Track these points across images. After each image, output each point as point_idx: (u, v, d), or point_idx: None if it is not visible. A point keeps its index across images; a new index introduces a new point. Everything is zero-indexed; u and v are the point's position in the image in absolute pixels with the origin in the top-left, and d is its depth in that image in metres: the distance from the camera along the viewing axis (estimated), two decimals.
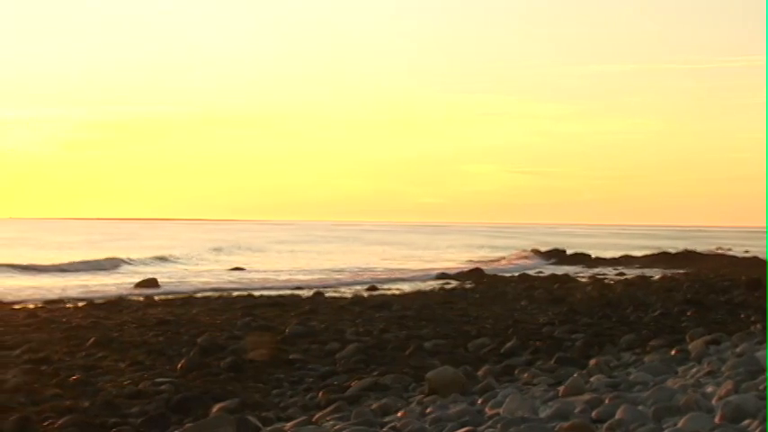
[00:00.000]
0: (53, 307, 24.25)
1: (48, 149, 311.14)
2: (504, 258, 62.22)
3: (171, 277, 38.58)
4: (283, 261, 56.28)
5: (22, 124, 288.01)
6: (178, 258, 55.65)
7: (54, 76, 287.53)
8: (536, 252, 65.34)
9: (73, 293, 29.80)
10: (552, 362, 13.39)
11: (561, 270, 46.75)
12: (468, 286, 34.52)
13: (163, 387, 11.67)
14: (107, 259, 48.53)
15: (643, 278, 38.20)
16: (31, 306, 24.61)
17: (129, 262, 49.14)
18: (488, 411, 9.15)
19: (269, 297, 27.53)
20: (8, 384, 11.54)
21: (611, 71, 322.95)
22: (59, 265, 44.43)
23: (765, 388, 8.49)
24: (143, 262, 50.45)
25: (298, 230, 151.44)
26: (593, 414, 8.38)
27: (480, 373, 12.41)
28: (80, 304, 24.92)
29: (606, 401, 8.79)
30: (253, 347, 14.94)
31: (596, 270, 48.75)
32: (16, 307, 24.22)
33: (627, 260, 57.78)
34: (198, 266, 50.08)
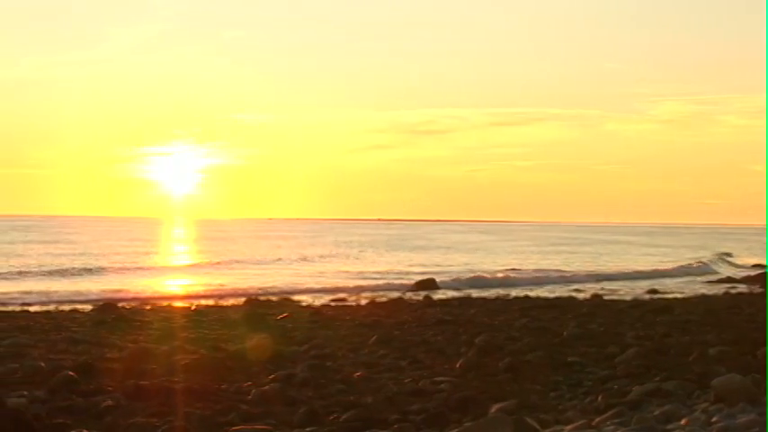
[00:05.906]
0: (337, 305, 25.23)
1: (333, 153, 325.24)
2: None
3: None
4: None
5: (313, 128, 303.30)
6: None
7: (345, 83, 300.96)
8: None
9: None
10: None
11: None
12: (757, 291, 32.93)
13: (442, 386, 11.86)
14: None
15: None
16: (317, 304, 25.71)
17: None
18: None
19: (546, 299, 27.40)
20: (297, 378, 12.12)
21: None
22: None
23: None
24: None
25: (587, 233, 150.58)
26: None
27: None
28: (363, 302, 25.81)
29: None
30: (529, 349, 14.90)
31: None
32: (303, 305, 25.38)
33: None
34: None
